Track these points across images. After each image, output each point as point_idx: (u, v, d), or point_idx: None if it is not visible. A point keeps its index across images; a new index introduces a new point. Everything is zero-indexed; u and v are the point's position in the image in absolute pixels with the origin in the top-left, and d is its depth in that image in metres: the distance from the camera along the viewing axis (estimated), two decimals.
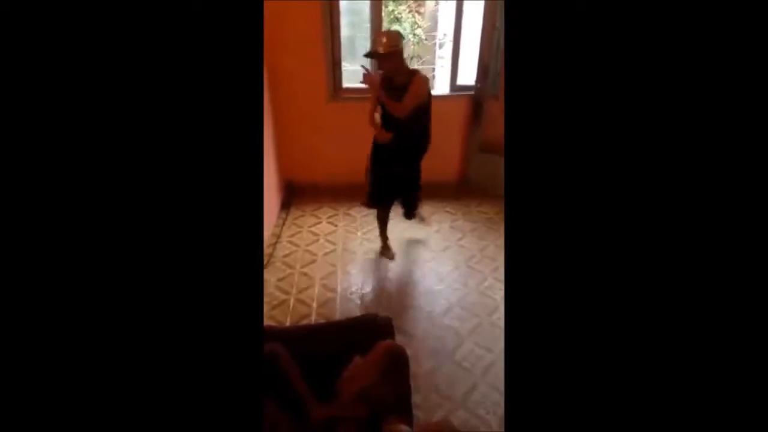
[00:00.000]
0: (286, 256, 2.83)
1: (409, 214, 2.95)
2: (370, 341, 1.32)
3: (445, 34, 5.75)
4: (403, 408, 1.31)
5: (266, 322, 2.20)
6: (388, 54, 2.30)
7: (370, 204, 2.79)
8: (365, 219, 3.28)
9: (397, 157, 2.57)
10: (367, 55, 2.39)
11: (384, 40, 2.32)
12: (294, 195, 3.60)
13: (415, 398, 1.74)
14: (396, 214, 2.87)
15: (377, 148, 2.59)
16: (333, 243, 2.99)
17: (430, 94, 2.46)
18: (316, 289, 2.54)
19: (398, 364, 1.30)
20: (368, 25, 3.30)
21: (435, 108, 2.53)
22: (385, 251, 2.89)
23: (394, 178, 2.65)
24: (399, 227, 3.18)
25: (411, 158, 2.63)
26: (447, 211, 3.16)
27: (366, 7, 3.26)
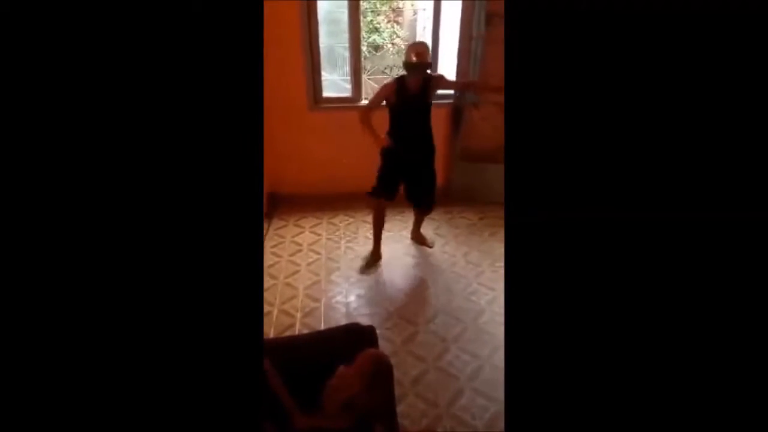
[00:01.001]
0: (269, 267, 2.81)
1: (424, 201, 2.90)
2: (354, 350, 1.32)
3: None
4: (388, 417, 1.31)
5: None
6: (421, 64, 2.42)
7: (375, 192, 2.76)
8: (349, 228, 3.28)
9: (417, 142, 2.67)
10: (405, 67, 2.49)
11: (416, 51, 2.43)
12: (276, 205, 3.58)
13: (401, 406, 1.74)
14: (389, 221, 2.87)
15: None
16: (317, 252, 2.98)
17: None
18: (300, 299, 2.52)
19: (383, 373, 1.30)
20: (346, 35, 3.32)
21: None
22: (374, 257, 2.89)
23: (407, 163, 2.71)
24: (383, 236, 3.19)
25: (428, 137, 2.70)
26: (430, 218, 3.17)
27: (344, 17, 3.28)
